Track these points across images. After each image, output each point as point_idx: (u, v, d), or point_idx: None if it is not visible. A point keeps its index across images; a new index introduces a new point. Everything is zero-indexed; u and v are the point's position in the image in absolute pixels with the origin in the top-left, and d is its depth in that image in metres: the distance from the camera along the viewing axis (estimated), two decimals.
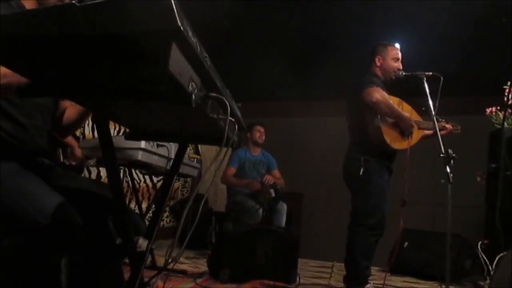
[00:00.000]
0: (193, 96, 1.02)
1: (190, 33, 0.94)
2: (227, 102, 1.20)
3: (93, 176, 4.36)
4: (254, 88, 6.83)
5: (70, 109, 1.96)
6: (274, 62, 6.08)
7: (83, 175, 3.91)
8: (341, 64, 5.68)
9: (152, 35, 0.87)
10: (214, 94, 1.17)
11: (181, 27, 0.86)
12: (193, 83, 1.04)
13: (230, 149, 1.35)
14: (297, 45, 5.82)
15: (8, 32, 0.95)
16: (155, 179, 5.52)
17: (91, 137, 4.31)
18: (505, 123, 3.61)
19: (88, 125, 4.34)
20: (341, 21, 5.18)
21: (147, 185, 5.46)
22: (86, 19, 0.90)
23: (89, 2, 0.92)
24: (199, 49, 1.02)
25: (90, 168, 4.24)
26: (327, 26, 5.34)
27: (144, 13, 0.87)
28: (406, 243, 4.86)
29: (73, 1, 0.92)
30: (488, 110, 4.50)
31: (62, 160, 2.97)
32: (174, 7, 0.86)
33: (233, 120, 1.33)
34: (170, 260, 1.31)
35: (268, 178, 5.08)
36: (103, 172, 4.48)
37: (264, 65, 6.14)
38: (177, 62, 0.93)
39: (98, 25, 0.90)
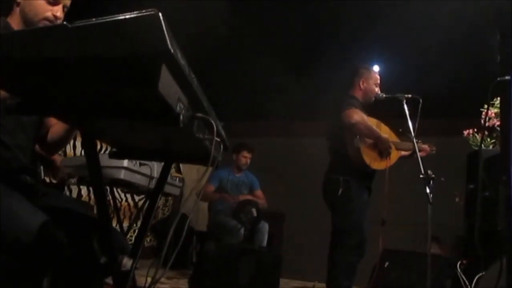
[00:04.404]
0: (181, 117, 1.04)
1: (179, 55, 0.96)
2: (213, 123, 1.22)
3: (74, 194, 4.31)
4: (235, 108, 6.86)
5: (56, 127, 1.95)
6: (256, 82, 6.13)
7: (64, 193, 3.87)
8: (321, 84, 5.75)
9: (142, 57, 0.89)
10: (201, 115, 1.19)
11: (171, 50, 0.89)
12: (180, 104, 1.05)
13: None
14: (279, 64, 5.88)
15: None
16: (136, 197, 5.48)
17: (72, 154, 4.28)
18: (482, 145, 3.68)
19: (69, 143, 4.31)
20: (321, 42, 5.27)
21: (128, 204, 5.41)
22: (77, 41, 0.92)
23: (80, 24, 0.93)
24: (187, 70, 1.05)
25: (71, 186, 4.19)
26: (308, 45, 5.41)
27: (135, 36, 0.89)
28: (386, 263, 4.87)
29: (65, 23, 0.94)
30: (465, 132, 4.58)
31: (43, 177, 2.95)
32: (164, 29, 0.88)
33: (219, 140, 1.35)
34: (153, 281, 1.31)
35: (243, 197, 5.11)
36: (83, 190, 4.44)
37: (246, 85, 6.19)
38: (167, 83, 0.95)
39: (89, 47, 0.91)
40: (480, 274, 3.39)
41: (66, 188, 4.06)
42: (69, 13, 1.84)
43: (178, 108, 1.03)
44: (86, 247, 1.56)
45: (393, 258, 4.90)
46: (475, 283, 3.96)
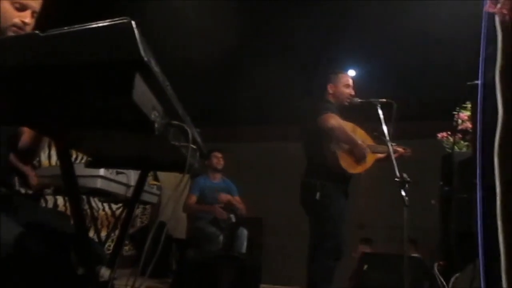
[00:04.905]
0: (156, 125, 1.04)
1: (153, 63, 0.96)
2: (188, 130, 1.22)
3: (50, 205, 4.25)
4: (215, 113, 6.87)
5: (26, 135, 1.91)
6: (235, 88, 6.14)
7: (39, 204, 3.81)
8: (301, 89, 5.79)
9: (115, 66, 0.89)
10: (176, 122, 1.19)
11: (145, 58, 0.89)
12: (155, 112, 1.05)
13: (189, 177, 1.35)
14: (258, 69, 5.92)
15: None
16: (114, 206, 5.42)
17: (48, 164, 4.22)
18: (456, 148, 3.75)
19: (44, 152, 4.25)
20: (299, 49, 5.31)
21: (106, 213, 5.35)
22: (49, 49, 0.91)
23: (52, 32, 0.92)
24: (161, 78, 1.05)
25: (47, 196, 4.13)
26: (287, 52, 5.45)
27: (108, 44, 0.89)
28: (365, 266, 4.92)
29: (36, 31, 0.93)
30: (439, 135, 4.65)
31: (18, 188, 2.90)
32: (137, 38, 0.88)
33: (195, 147, 1.35)
34: None
35: (223, 197, 5.09)
36: (60, 200, 4.38)
37: (227, 91, 6.20)
38: (141, 92, 0.94)
39: (61, 56, 0.91)
40: (456, 275, 3.44)
41: (42, 198, 4.00)
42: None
43: (153, 116, 1.02)
44: (63, 258, 1.54)
45: (372, 261, 4.95)
46: (452, 284, 4.01)
